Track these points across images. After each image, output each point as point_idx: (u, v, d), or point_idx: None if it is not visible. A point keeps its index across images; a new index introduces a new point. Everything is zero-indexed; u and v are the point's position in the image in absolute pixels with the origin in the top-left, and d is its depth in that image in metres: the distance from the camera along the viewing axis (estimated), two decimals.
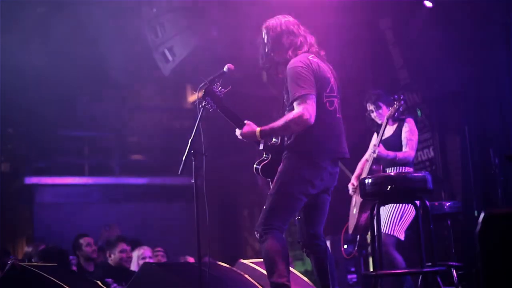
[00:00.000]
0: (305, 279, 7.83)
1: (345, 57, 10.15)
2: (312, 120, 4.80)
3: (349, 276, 9.61)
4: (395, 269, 6.14)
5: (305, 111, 4.78)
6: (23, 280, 4.89)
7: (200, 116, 5.16)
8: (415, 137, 6.65)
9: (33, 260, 8.13)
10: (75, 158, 14.63)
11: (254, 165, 5.17)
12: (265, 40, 5.17)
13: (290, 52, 5.06)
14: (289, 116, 4.85)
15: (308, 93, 4.83)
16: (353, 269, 9.59)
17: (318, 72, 4.95)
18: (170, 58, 10.22)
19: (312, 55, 5.05)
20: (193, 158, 5.08)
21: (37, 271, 4.90)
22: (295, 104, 4.84)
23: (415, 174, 5.18)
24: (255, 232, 4.95)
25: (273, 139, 5.15)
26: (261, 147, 5.12)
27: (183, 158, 5.05)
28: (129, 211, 13.76)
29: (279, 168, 4.98)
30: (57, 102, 12.72)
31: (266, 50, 5.17)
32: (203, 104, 5.07)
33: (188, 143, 5.09)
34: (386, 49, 9.83)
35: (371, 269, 8.58)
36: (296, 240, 5.33)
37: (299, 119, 4.79)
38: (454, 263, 6.69)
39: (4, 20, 10.63)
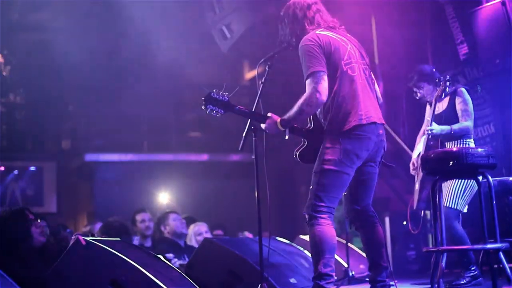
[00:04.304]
0: (364, 255, 7.81)
1: (404, 33, 10.06)
2: (323, 97, 4.80)
3: (408, 253, 9.53)
4: (456, 243, 6.07)
5: (314, 91, 4.79)
6: (88, 254, 4.93)
7: (260, 93, 5.18)
8: (470, 107, 6.49)
9: (96, 235, 8.25)
10: (134, 135, 14.80)
11: (294, 152, 5.13)
12: (283, 23, 5.21)
13: (298, 32, 5.09)
14: (300, 99, 4.85)
15: (316, 71, 4.83)
16: (412, 246, 9.51)
17: (328, 44, 4.94)
18: (228, 35, 10.23)
19: (321, 28, 5.05)
20: (253, 134, 5.10)
21: (102, 245, 4.94)
22: (306, 83, 4.86)
23: (478, 150, 5.08)
24: (304, 214, 4.91)
25: (309, 124, 5.11)
26: (286, 137, 5.07)
27: (243, 135, 5.08)
28: (187, 187, 13.90)
29: (321, 146, 4.93)
30: (115, 80, 12.86)
31: (285, 32, 5.20)
32: (207, 112, 5.11)
33: (247, 120, 5.11)
34: (446, 24, 9.69)
35: (431, 246, 8.52)
36: None
37: (310, 99, 4.81)
38: None
39: (59, 6, 10.83)
